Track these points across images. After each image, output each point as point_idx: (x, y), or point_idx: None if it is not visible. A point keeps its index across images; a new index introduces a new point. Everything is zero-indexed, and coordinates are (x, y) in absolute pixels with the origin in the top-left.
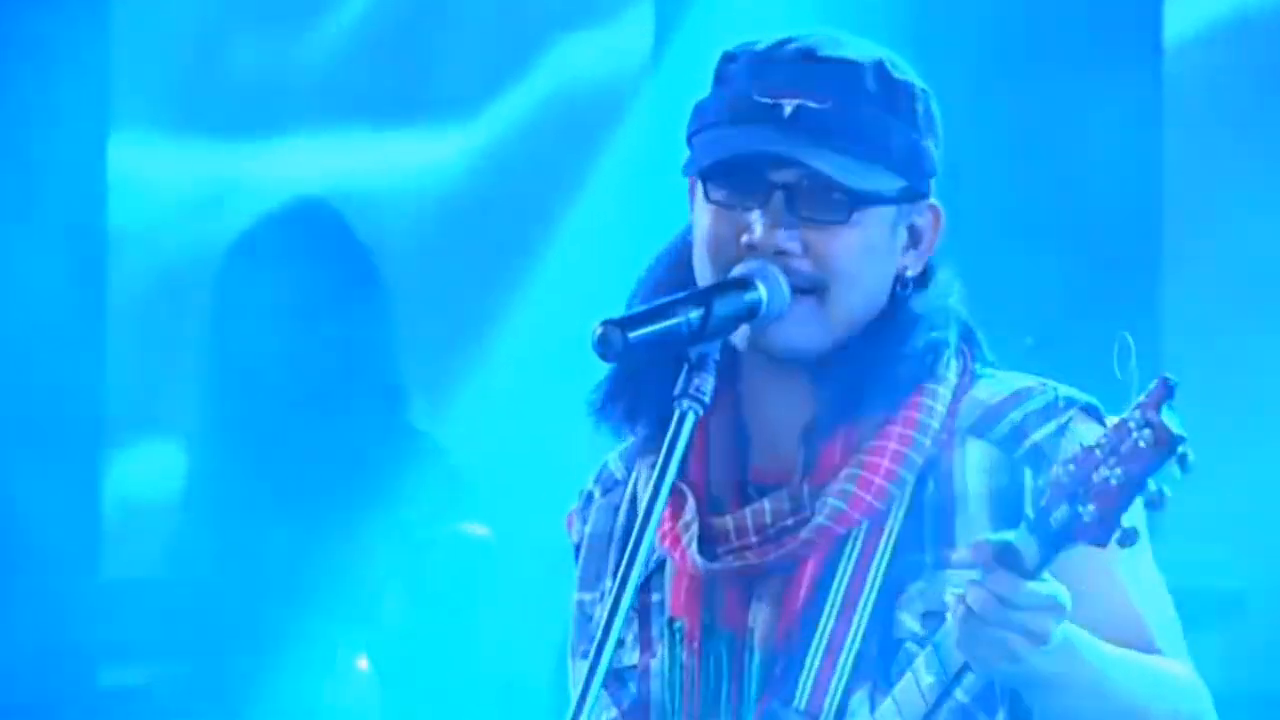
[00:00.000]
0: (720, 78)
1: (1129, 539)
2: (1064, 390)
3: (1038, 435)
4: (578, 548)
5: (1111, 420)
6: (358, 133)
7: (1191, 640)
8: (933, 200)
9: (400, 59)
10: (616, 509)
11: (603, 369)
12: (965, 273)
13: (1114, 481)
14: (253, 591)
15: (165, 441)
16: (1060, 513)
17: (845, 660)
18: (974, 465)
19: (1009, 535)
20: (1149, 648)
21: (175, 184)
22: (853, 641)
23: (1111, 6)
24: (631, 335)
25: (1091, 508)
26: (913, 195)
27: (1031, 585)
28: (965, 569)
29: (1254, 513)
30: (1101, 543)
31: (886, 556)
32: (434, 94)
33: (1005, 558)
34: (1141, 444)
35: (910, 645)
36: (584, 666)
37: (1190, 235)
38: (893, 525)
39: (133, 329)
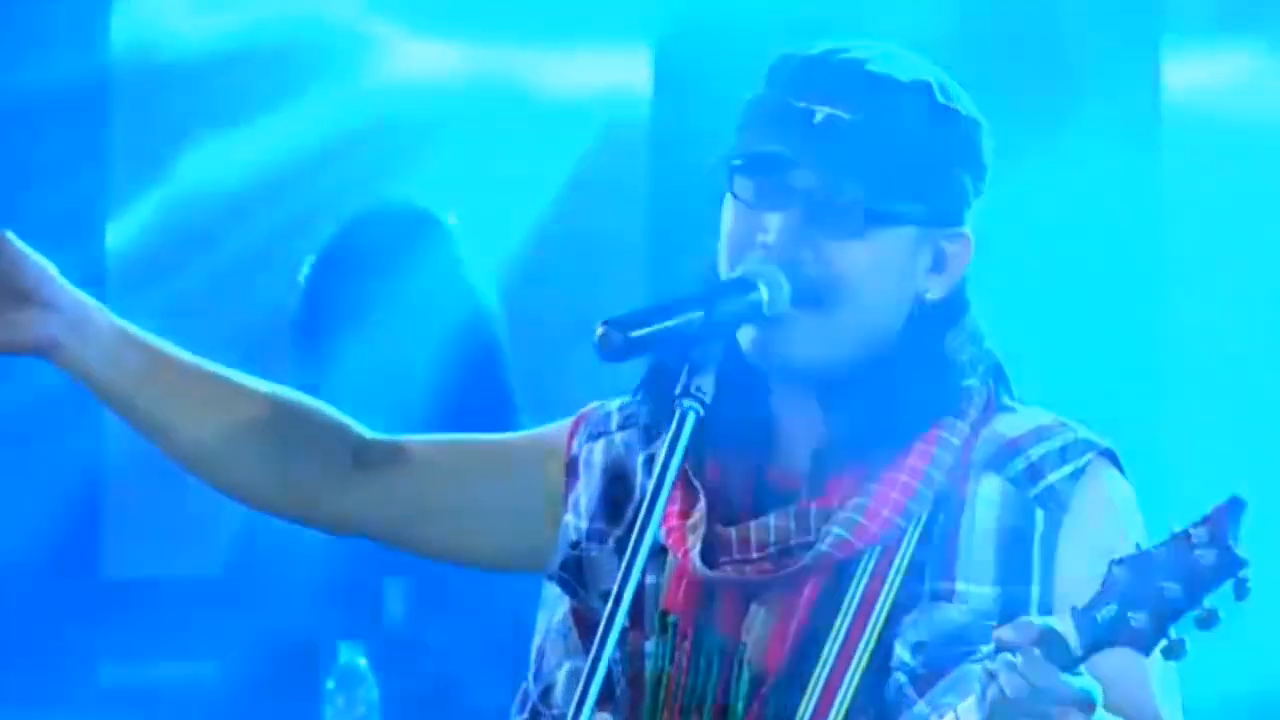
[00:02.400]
0: (770, 77)
1: (1176, 652)
2: (1083, 432)
3: (1053, 477)
4: (575, 459)
5: (1177, 530)
6: None
7: (1192, 640)
8: (965, 229)
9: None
10: (630, 450)
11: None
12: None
13: (1169, 594)
14: (254, 590)
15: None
16: (1108, 612)
17: (846, 690)
18: (985, 500)
19: (1054, 621)
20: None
21: None
22: (854, 671)
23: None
24: (633, 335)
25: (1142, 615)
26: (939, 220)
27: (1066, 678)
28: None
29: (1254, 513)
30: (1146, 651)
31: (895, 587)
32: None
33: (1047, 643)
34: (1204, 561)
35: (899, 675)
36: (552, 589)
37: (1191, 238)
38: (903, 557)
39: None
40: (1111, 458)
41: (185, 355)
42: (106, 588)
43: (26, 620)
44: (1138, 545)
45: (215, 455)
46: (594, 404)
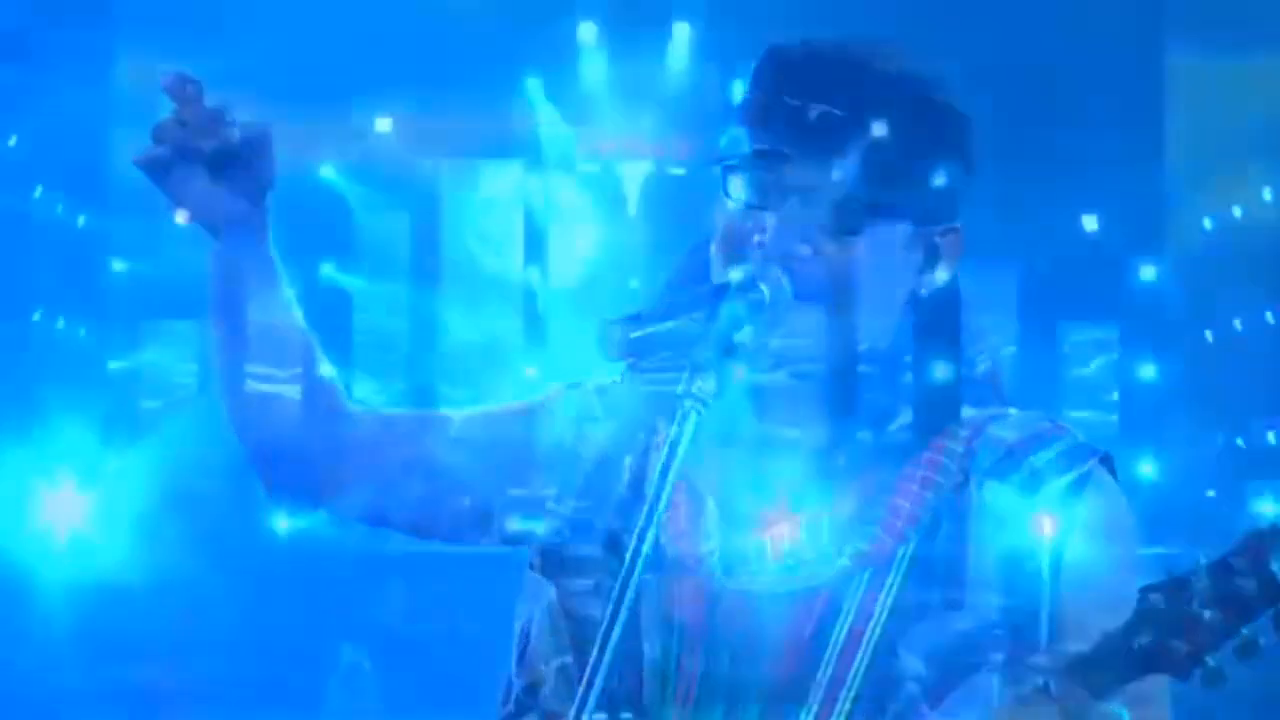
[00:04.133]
0: (757, 76)
1: (1216, 679)
2: (1081, 437)
3: (1056, 485)
4: (562, 440)
5: (1213, 557)
6: None
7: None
8: (956, 224)
9: None
10: (621, 442)
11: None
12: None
13: (1209, 622)
14: (253, 592)
15: (163, 441)
16: (1145, 638)
17: (847, 696)
18: (990, 508)
19: (1090, 648)
20: None
21: None
22: (854, 678)
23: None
24: (634, 335)
25: (1181, 643)
26: (932, 214)
27: (1101, 706)
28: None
29: (1254, 513)
30: (1185, 678)
31: (893, 594)
32: None
33: (1083, 670)
34: (1245, 591)
35: (912, 685)
36: (534, 577)
37: (1188, 242)
38: (901, 563)
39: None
40: (1110, 464)
41: (292, 294)
42: (108, 587)
43: (27, 620)
44: (1169, 572)
45: (273, 401)
46: (561, 384)
